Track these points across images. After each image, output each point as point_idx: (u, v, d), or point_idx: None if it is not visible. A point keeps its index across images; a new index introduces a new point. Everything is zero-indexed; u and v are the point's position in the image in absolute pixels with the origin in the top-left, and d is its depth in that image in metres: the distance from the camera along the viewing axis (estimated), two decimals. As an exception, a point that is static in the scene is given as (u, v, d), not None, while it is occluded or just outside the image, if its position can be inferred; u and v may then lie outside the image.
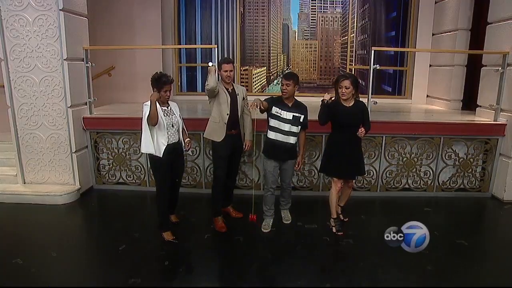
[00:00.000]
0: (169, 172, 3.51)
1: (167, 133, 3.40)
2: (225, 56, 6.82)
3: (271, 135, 3.64)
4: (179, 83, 7.10)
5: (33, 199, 4.43)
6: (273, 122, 3.62)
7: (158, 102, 3.33)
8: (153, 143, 3.37)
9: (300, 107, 3.66)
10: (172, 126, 3.45)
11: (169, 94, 3.41)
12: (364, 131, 3.50)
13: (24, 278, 2.98)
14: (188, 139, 3.61)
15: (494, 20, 4.79)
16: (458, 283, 3.00)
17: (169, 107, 3.49)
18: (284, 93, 3.57)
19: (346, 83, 3.45)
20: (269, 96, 3.75)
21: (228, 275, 3.15)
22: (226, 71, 3.66)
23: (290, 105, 3.61)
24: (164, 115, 3.39)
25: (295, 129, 3.61)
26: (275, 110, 3.58)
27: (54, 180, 4.66)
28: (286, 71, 6.39)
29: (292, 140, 3.63)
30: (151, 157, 3.46)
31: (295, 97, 3.69)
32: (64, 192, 4.49)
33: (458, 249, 3.51)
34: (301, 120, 3.62)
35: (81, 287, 2.95)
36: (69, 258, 3.35)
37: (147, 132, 3.36)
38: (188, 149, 3.65)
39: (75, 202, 4.55)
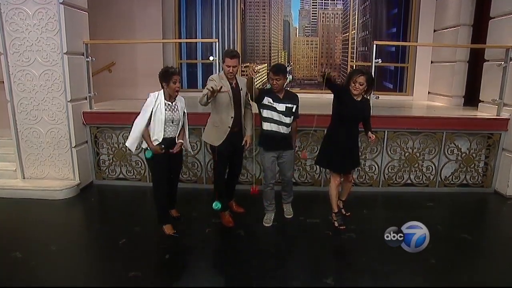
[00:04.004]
0: (165, 165, 3.44)
1: (164, 128, 3.34)
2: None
3: (266, 126, 3.58)
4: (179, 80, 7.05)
5: (33, 194, 4.40)
6: (266, 113, 3.55)
7: (165, 98, 3.33)
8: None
9: (291, 98, 3.62)
10: (172, 122, 3.38)
11: (179, 85, 3.31)
12: (374, 138, 3.54)
13: (23, 271, 2.95)
14: (181, 141, 3.49)
15: (497, 14, 4.76)
16: (463, 277, 2.97)
17: (174, 103, 3.39)
18: (275, 88, 3.51)
19: (362, 79, 3.37)
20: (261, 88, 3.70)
21: (229, 269, 3.11)
22: (229, 66, 3.43)
23: (281, 97, 3.56)
24: (166, 110, 3.32)
25: (288, 120, 3.57)
26: (267, 100, 3.51)
27: (53, 175, 4.62)
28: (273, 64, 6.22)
29: (286, 130, 3.60)
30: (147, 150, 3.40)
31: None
32: (63, 187, 4.46)
33: (462, 243, 3.48)
34: (293, 110, 3.60)
35: (82, 282, 2.92)
36: (69, 252, 3.32)
37: (137, 128, 3.30)
38: (174, 151, 3.44)
39: (75, 197, 4.51)
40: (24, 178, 4.64)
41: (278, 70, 3.50)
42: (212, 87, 3.24)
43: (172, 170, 3.60)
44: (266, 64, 7.06)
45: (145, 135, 3.33)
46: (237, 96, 3.58)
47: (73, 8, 4.36)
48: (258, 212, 3.88)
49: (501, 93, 4.58)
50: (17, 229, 3.76)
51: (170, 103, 3.37)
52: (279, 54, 7.12)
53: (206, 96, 3.29)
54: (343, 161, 3.59)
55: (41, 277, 2.91)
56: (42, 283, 2.83)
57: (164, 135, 3.36)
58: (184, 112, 3.50)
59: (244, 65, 6.99)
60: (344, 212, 3.93)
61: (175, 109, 3.40)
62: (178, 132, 3.48)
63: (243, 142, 3.73)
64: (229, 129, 3.54)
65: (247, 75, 3.49)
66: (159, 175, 3.48)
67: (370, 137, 3.56)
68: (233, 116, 3.54)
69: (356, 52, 6.98)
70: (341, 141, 3.55)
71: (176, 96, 3.41)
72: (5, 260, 3.11)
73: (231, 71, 3.47)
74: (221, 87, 3.31)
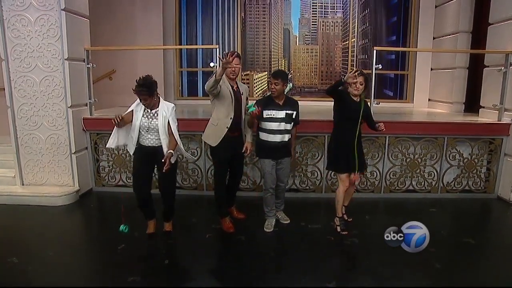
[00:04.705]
0: (142, 168, 3.37)
1: (139, 136, 3.28)
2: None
3: (263, 136, 3.60)
4: (180, 88, 7.09)
5: (32, 200, 4.36)
6: (264, 125, 3.58)
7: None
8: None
9: (291, 104, 3.63)
10: (147, 130, 3.25)
11: (144, 102, 3.14)
12: (383, 125, 3.55)
13: (20, 276, 2.90)
14: (171, 151, 3.15)
15: (495, 20, 4.78)
16: (468, 281, 2.92)
17: (154, 110, 3.25)
18: (273, 92, 3.53)
19: (361, 78, 3.45)
20: (260, 98, 3.69)
21: (230, 273, 3.06)
22: (231, 66, 3.42)
23: (281, 103, 3.57)
24: (143, 116, 3.24)
25: (288, 126, 3.59)
26: (266, 113, 3.52)
27: (53, 182, 4.59)
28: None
29: (286, 138, 3.61)
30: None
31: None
32: (63, 193, 4.42)
33: (465, 248, 3.43)
34: (293, 117, 3.61)
35: (80, 286, 2.87)
36: (68, 257, 3.26)
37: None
38: (165, 166, 3.09)
39: (74, 203, 4.47)
40: (23, 185, 4.60)
41: (277, 74, 3.55)
42: (225, 57, 3.21)
43: (161, 185, 3.48)
44: (266, 73, 7.08)
45: (115, 129, 3.32)
46: (238, 100, 3.60)
47: (74, 14, 4.39)
48: (258, 218, 3.84)
49: (502, 98, 4.57)
50: (15, 235, 3.71)
51: (148, 110, 3.27)
52: (279, 62, 7.15)
53: (215, 73, 3.25)
54: (348, 161, 3.57)
55: (38, 283, 2.85)
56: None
57: (141, 143, 3.30)
58: (170, 119, 3.26)
59: (245, 73, 7.02)
60: (346, 218, 3.88)
61: (153, 117, 3.25)
62: (163, 142, 3.25)
63: (243, 148, 3.71)
64: (226, 129, 3.53)
65: (248, 82, 3.51)
66: (134, 168, 3.47)
67: (379, 125, 3.57)
68: (232, 117, 3.53)
69: (356, 60, 7.00)
70: (345, 141, 3.55)
71: (149, 107, 3.22)
72: (1, 265, 3.06)
73: (233, 70, 3.50)
74: (235, 54, 3.37)
